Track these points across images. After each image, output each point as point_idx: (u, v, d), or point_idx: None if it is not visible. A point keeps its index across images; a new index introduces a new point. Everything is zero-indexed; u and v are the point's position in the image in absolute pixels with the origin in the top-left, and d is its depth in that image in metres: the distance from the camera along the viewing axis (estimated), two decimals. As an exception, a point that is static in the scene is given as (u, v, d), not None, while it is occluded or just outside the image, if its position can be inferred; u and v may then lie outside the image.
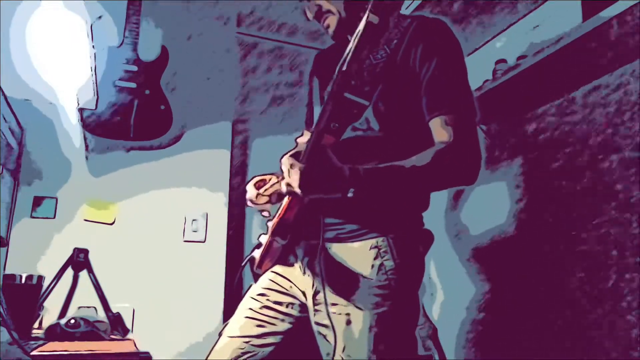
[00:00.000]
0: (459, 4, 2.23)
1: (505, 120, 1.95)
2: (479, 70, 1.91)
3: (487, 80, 1.95)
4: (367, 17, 0.89)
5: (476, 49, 2.15)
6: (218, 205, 2.50)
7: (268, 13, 2.82)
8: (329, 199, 1.00)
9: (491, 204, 1.95)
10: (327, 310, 1.07)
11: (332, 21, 1.18)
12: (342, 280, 1.10)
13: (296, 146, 1.48)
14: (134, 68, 2.31)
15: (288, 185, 0.97)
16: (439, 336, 1.97)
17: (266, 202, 1.28)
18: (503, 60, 1.93)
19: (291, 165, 0.96)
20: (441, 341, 1.96)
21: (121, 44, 2.31)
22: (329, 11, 1.18)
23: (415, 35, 0.86)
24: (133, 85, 2.30)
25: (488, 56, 1.97)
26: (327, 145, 0.97)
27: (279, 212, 1.13)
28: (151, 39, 2.41)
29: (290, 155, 0.99)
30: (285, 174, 0.98)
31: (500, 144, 1.95)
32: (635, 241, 1.40)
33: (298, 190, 0.95)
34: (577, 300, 1.58)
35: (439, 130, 1.06)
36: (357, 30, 0.92)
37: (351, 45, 0.93)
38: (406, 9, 2.44)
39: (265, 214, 1.29)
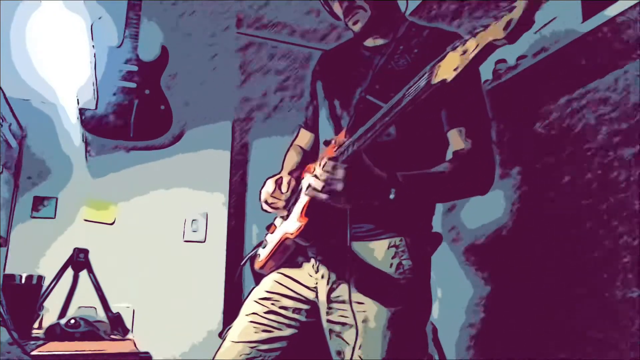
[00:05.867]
0: (458, 4, 2.23)
1: (505, 120, 1.95)
2: (479, 70, 1.91)
3: (487, 80, 1.95)
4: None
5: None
6: (218, 205, 2.50)
7: (268, 13, 2.83)
8: (367, 203, 1.01)
9: (489, 203, 1.95)
10: (352, 308, 1.08)
11: (362, 18, 1.19)
12: (360, 278, 1.12)
13: (299, 151, 1.48)
14: (134, 68, 2.30)
15: (330, 195, 0.96)
16: (439, 336, 1.97)
17: (283, 205, 1.25)
18: (503, 60, 1.93)
19: (331, 178, 0.95)
20: (441, 341, 1.96)
21: (121, 44, 2.31)
22: (360, 7, 1.19)
23: (436, 48, 0.86)
24: (133, 85, 2.29)
25: (488, 56, 1.97)
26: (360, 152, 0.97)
27: (300, 214, 1.13)
28: (151, 39, 2.41)
29: (326, 166, 0.98)
30: (324, 183, 0.97)
31: (500, 144, 1.95)
32: (636, 240, 1.40)
33: (343, 201, 0.96)
34: (577, 299, 1.58)
35: (458, 141, 1.11)
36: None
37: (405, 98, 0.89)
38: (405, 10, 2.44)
39: (280, 212, 1.26)
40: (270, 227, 1.32)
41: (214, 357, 1.23)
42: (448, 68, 0.79)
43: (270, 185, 1.27)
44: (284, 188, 1.25)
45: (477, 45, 0.75)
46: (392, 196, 0.97)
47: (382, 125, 0.91)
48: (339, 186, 0.94)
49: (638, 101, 1.42)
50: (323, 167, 0.97)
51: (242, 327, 1.22)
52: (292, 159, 1.44)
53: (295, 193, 1.25)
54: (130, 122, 2.27)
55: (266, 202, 1.27)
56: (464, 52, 0.77)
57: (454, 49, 0.79)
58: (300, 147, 1.49)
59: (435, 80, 0.80)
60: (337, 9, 1.24)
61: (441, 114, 1.14)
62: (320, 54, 1.49)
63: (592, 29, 1.55)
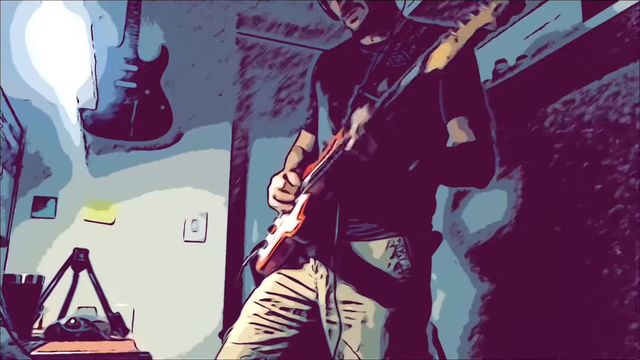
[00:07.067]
0: (458, 4, 2.23)
1: (505, 120, 1.95)
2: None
3: (487, 80, 1.95)
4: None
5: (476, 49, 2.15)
6: (218, 205, 2.50)
7: (268, 13, 2.83)
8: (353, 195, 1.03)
9: (490, 203, 1.95)
10: (339, 308, 1.08)
11: (360, 15, 1.19)
12: (358, 278, 1.12)
13: (301, 152, 1.48)
14: (134, 68, 2.31)
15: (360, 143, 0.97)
16: (439, 336, 1.97)
17: (292, 199, 1.22)
18: (503, 60, 1.93)
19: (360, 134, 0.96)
20: (441, 341, 1.96)
21: (121, 44, 2.31)
22: (358, 4, 1.18)
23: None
24: (133, 85, 2.29)
25: (488, 56, 1.96)
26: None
27: (299, 212, 1.13)
28: (151, 39, 2.41)
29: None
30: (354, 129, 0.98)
31: (500, 144, 1.95)
32: (636, 241, 1.40)
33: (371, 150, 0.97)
34: (578, 300, 1.58)
35: (457, 132, 1.11)
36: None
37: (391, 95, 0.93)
38: (407, 7, 2.44)
39: (286, 207, 1.23)
40: (271, 228, 1.32)
41: (215, 359, 1.23)
42: (441, 56, 0.81)
43: (279, 181, 1.24)
44: (293, 180, 1.22)
45: (469, 31, 0.78)
46: (412, 167, 0.99)
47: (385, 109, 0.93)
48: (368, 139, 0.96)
49: (638, 101, 1.42)
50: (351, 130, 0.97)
51: (243, 329, 1.22)
52: (294, 159, 1.44)
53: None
54: (130, 122, 2.27)
55: (275, 197, 1.24)
56: (456, 39, 0.79)
57: (446, 37, 0.81)
58: (302, 148, 1.48)
59: (428, 69, 0.83)
60: (335, 7, 1.24)
61: (440, 107, 1.14)
62: (320, 54, 1.49)
63: (592, 29, 1.55)
